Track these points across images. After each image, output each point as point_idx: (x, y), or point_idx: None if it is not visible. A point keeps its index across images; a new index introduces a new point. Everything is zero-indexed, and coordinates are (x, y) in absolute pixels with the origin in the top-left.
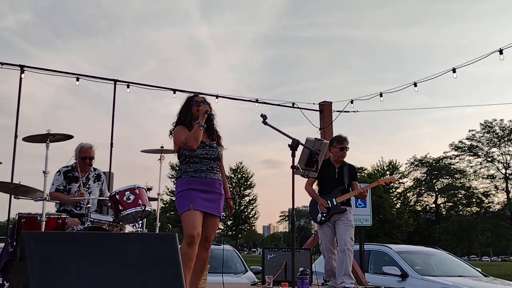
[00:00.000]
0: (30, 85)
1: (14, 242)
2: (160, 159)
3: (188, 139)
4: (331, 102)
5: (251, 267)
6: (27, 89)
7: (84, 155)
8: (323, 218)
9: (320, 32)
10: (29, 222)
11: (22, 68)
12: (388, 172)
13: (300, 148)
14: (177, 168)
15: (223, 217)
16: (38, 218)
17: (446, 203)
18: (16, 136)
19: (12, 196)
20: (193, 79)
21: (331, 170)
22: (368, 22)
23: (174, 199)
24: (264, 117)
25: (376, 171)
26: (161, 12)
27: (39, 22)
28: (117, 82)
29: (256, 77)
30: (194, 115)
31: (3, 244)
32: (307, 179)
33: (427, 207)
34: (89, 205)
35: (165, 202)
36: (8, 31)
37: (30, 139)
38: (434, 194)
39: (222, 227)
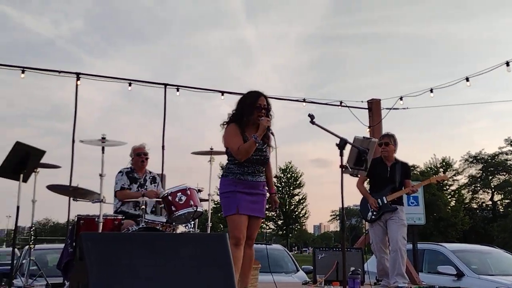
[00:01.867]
0: (86, 91)
1: (74, 243)
2: (210, 160)
3: (240, 151)
4: (380, 100)
5: (302, 266)
6: (83, 95)
7: (139, 151)
8: (373, 217)
9: (366, 29)
10: (88, 223)
11: (78, 75)
12: (441, 170)
13: (349, 147)
14: (224, 165)
15: (274, 216)
16: (96, 219)
17: (503, 200)
18: (73, 141)
19: (71, 198)
20: (241, 80)
21: (383, 168)
22: (416, 17)
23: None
24: (311, 117)
25: (429, 169)
26: (208, 15)
27: (91, 30)
28: (167, 86)
29: (303, 77)
30: (253, 120)
31: (64, 244)
32: (357, 177)
33: (483, 204)
34: (143, 207)
35: (216, 203)
36: (63, 39)
37: (87, 143)
38: (490, 191)
39: (273, 227)
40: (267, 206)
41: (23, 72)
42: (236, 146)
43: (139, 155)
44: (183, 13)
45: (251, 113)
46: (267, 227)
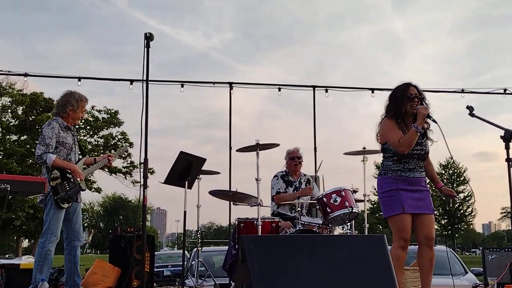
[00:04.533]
0: (238, 98)
1: (236, 245)
2: (363, 160)
3: (402, 143)
4: None
5: (471, 268)
6: (236, 102)
7: (293, 155)
8: None
9: None
10: (247, 226)
11: (230, 85)
12: None
13: None
14: (381, 163)
15: (436, 215)
16: (255, 222)
17: None
18: (230, 148)
19: (231, 202)
20: (391, 74)
21: None
22: None
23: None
24: (470, 109)
25: None
26: (353, 12)
27: (240, 39)
28: (316, 88)
29: (460, 65)
30: (408, 111)
31: (228, 247)
32: None
33: None
34: (299, 209)
35: (373, 203)
36: (215, 51)
37: (242, 150)
38: None
39: (437, 227)
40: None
41: (182, 86)
42: (397, 139)
43: (293, 158)
44: (328, 12)
45: (404, 104)
46: None
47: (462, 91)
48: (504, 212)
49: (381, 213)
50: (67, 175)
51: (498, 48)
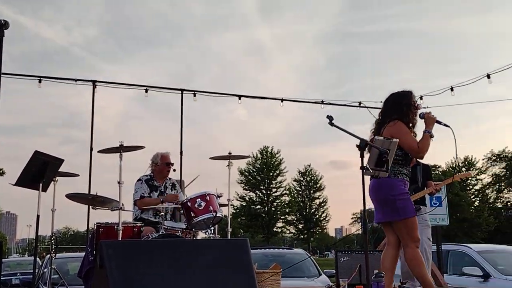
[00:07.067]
0: (102, 98)
1: (94, 251)
2: (228, 165)
3: (422, 148)
4: None
5: (324, 270)
6: (100, 102)
7: (167, 161)
8: None
9: (383, 26)
10: (107, 231)
11: (94, 83)
12: (464, 169)
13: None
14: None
15: (294, 220)
16: (115, 227)
17: None
18: (91, 149)
19: (90, 206)
20: (257, 81)
21: None
22: (433, 13)
23: (392, 198)
24: (330, 118)
25: (451, 169)
26: (222, 18)
27: (105, 37)
28: (184, 91)
29: (320, 76)
30: (413, 120)
31: (84, 253)
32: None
33: (509, 203)
34: (162, 213)
35: (235, 208)
36: (76, 46)
37: (104, 151)
38: None
39: (294, 231)
40: None
41: (40, 81)
42: (416, 143)
43: (168, 165)
44: (197, 16)
45: (410, 111)
46: (288, 231)
47: (322, 102)
48: (355, 217)
49: (243, 218)
50: None
51: (353, 63)
